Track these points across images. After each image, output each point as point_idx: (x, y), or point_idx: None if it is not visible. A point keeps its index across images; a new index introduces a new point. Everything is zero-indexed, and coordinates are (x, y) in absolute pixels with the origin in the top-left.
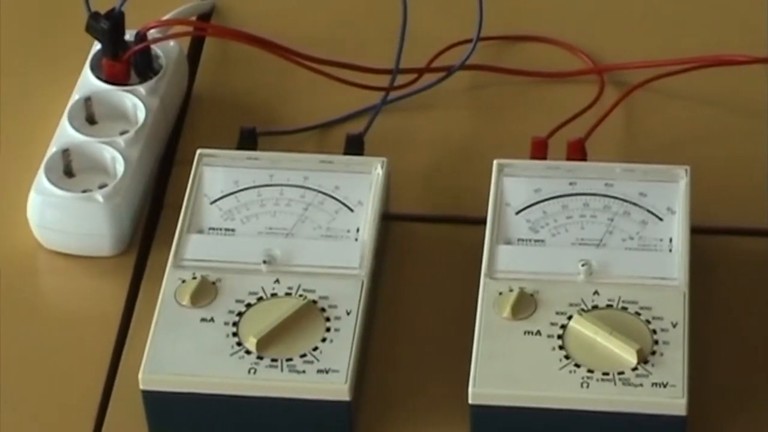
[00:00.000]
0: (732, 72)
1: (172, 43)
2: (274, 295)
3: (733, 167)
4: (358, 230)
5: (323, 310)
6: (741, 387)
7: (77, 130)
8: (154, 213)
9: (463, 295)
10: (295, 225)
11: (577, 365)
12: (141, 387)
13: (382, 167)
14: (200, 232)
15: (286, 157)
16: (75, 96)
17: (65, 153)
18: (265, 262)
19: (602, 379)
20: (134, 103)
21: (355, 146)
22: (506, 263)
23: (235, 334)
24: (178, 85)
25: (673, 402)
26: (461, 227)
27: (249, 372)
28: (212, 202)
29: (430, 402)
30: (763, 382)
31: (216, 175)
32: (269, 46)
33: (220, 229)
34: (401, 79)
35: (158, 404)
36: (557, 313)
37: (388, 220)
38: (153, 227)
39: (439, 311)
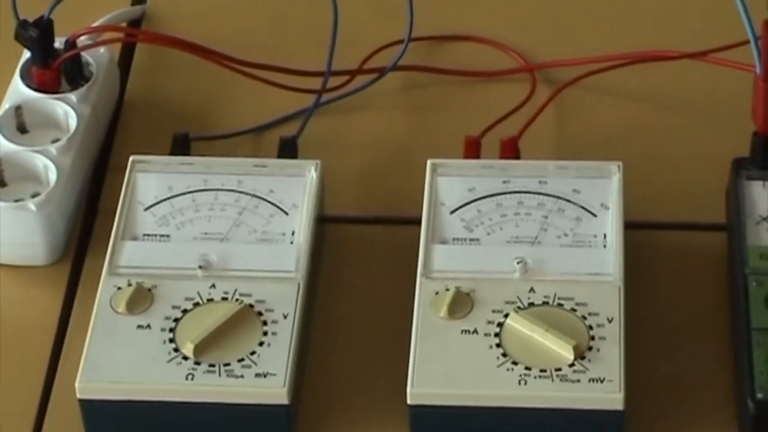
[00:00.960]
0: (662, 68)
1: (102, 49)
2: (210, 300)
3: (666, 162)
4: (293, 233)
5: (260, 314)
6: (677, 381)
7: (8, 139)
8: (88, 220)
9: (399, 296)
10: (230, 229)
11: (515, 363)
12: (78, 396)
13: (316, 170)
14: (135, 238)
15: (219, 162)
16: (5, 105)
17: None
18: (200, 267)
19: (540, 376)
20: (65, 110)
21: (288, 149)
22: (442, 263)
23: (171, 341)
24: (109, 91)
25: (611, 397)
26: (396, 228)
27: (187, 378)
28: (146, 209)
29: (369, 403)
30: (699, 375)
31: (149, 181)
32: (200, 51)
33: (155, 236)
34: (334, 82)
35: (96, 412)
36: (494, 312)
37: (323, 223)
38: (87, 235)
39: (376, 312)
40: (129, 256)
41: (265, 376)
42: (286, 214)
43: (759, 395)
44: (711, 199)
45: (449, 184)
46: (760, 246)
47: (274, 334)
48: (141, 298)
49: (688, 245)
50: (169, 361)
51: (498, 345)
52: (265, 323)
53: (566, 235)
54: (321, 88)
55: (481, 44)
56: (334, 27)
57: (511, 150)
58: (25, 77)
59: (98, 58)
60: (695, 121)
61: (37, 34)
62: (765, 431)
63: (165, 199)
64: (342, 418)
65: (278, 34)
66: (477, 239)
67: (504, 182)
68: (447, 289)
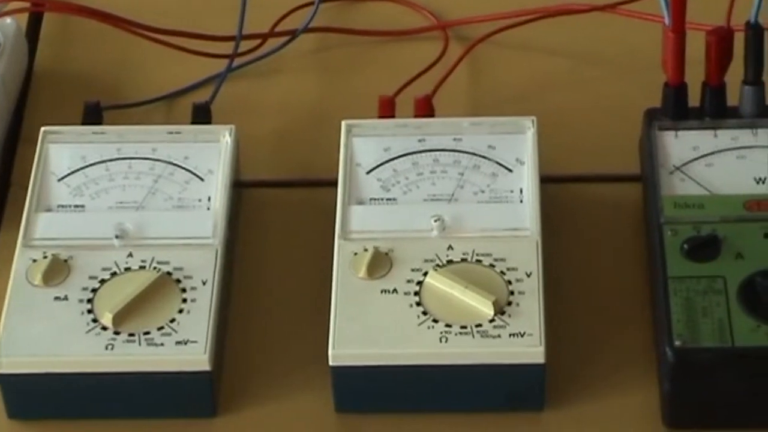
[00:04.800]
0: (572, 21)
1: (8, 20)
2: (128, 269)
3: (579, 115)
4: (209, 199)
5: (178, 281)
6: (597, 332)
7: None
8: (1, 193)
9: (319, 258)
10: (146, 197)
11: (435, 320)
12: None
13: (230, 135)
14: (49, 210)
15: (132, 130)
16: None
17: None
18: (117, 236)
19: (460, 333)
20: None
21: (202, 115)
22: (360, 223)
23: (90, 311)
24: (17, 62)
25: (531, 351)
26: (314, 190)
27: (106, 348)
28: (60, 179)
29: (291, 366)
30: (618, 325)
31: (62, 151)
32: (109, 18)
33: (70, 206)
34: (246, 45)
35: (15, 387)
36: (413, 270)
37: (239, 188)
38: (1, 208)
39: (297, 275)
40: (44, 227)
41: (185, 343)
42: (202, 180)
43: (677, 343)
44: (625, 151)
45: (364, 145)
46: (674, 195)
47: (193, 301)
48: (57, 270)
49: (603, 197)
50: (87, 332)
51: (418, 303)
52: (184, 290)
53: (483, 191)
54: (233, 53)
55: (392, 4)
56: None
57: (425, 108)
58: None
59: (4, 28)
60: (607, 74)
61: None
62: (683, 378)
63: (78, 170)
64: (265, 383)
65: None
66: (394, 198)
67: (419, 141)
68: (365, 250)
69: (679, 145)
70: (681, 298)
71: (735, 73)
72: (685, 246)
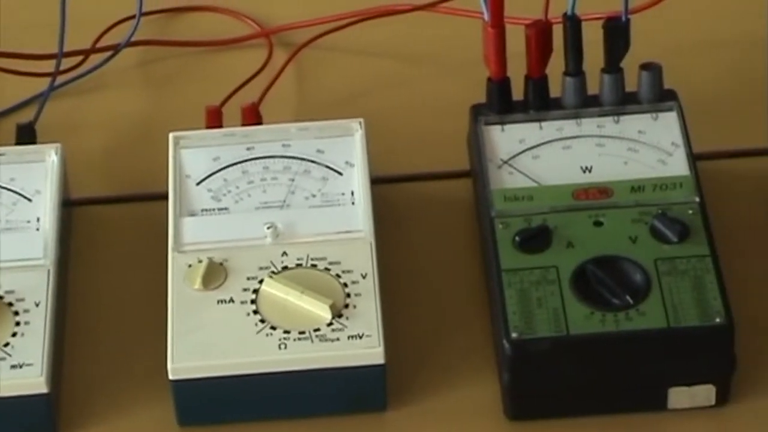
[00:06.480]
0: (395, 21)
1: None
2: None
3: (408, 114)
4: (38, 220)
5: (11, 304)
6: (436, 329)
7: None
8: None
9: (154, 272)
10: None
11: (274, 328)
12: None
13: (57, 153)
14: None
15: None
16: None
17: None
18: None
19: (299, 339)
20: None
21: (26, 135)
22: (192, 235)
23: None
24: None
25: (370, 352)
26: (145, 204)
27: None
28: None
29: (132, 383)
30: (456, 321)
31: None
32: None
33: None
34: (68, 63)
35: None
36: (248, 279)
37: (69, 206)
38: None
39: (133, 291)
40: None
41: (21, 366)
42: (30, 200)
43: (513, 335)
44: (453, 148)
45: (193, 156)
46: (504, 188)
47: (27, 323)
48: None
49: (435, 195)
50: None
51: (255, 312)
52: (16, 314)
53: (314, 195)
54: (54, 71)
55: (214, 13)
56: (62, 6)
57: (252, 116)
58: None
59: None
60: (432, 72)
61: None
62: (522, 369)
63: None
64: (106, 401)
65: (4, 18)
66: (226, 208)
67: (248, 149)
68: (199, 261)
69: (506, 138)
70: (515, 290)
71: (556, 66)
72: (517, 238)
